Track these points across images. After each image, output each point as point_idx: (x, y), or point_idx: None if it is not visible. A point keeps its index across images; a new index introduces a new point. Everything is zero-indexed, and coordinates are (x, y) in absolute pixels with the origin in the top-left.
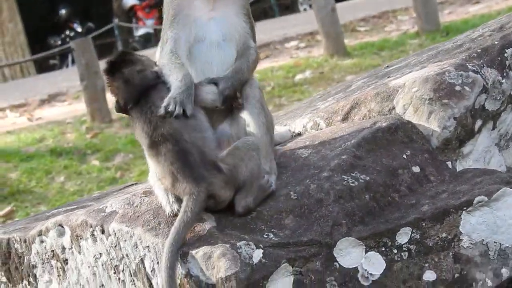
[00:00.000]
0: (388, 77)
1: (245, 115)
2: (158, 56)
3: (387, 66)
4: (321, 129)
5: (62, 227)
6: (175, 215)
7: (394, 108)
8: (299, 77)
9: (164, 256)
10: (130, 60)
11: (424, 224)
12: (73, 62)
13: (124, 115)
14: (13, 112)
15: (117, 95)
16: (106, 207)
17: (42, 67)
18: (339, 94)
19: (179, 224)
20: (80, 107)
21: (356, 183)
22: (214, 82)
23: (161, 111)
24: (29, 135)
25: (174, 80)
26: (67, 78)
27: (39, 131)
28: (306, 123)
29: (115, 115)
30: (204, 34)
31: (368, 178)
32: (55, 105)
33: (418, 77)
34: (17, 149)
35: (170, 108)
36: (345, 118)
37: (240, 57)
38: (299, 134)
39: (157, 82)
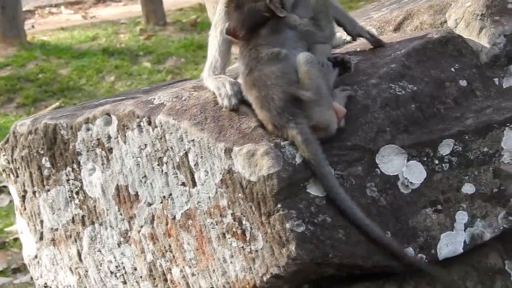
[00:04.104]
0: None
1: None
2: None
3: None
4: None
5: (109, 116)
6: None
7: (446, 21)
8: None
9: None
10: None
11: (466, 137)
12: None
13: None
14: (67, 9)
15: (233, 22)
16: (154, 99)
17: None
18: (393, 5)
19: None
20: (135, 9)
21: (403, 92)
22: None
23: None
24: (82, 32)
25: None
26: None
27: (93, 30)
28: None
29: (170, 17)
30: None
31: (415, 88)
32: (110, 4)
33: None
34: (69, 46)
35: None
36: (397, 29)
37: None
38: (350, 42)
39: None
